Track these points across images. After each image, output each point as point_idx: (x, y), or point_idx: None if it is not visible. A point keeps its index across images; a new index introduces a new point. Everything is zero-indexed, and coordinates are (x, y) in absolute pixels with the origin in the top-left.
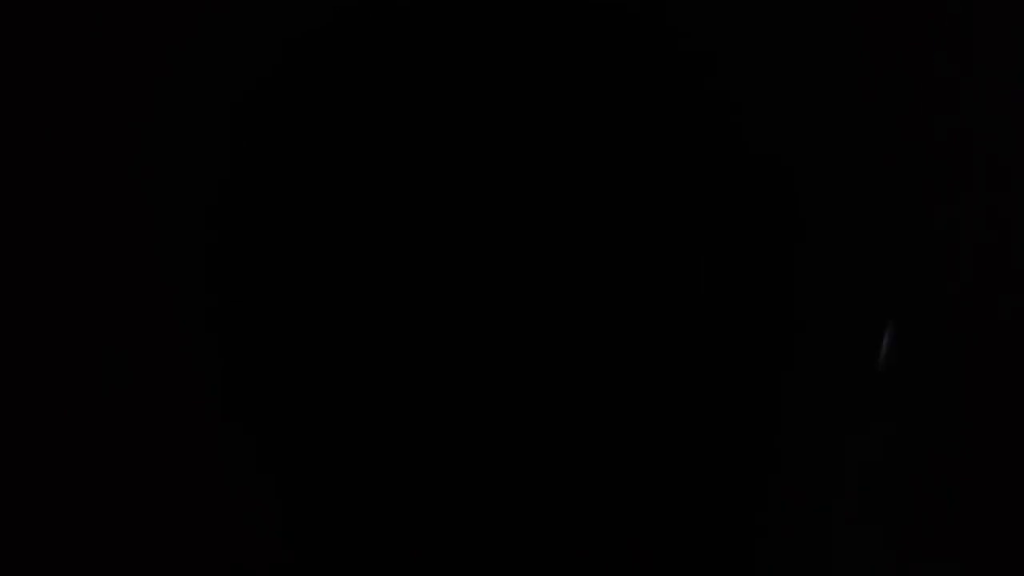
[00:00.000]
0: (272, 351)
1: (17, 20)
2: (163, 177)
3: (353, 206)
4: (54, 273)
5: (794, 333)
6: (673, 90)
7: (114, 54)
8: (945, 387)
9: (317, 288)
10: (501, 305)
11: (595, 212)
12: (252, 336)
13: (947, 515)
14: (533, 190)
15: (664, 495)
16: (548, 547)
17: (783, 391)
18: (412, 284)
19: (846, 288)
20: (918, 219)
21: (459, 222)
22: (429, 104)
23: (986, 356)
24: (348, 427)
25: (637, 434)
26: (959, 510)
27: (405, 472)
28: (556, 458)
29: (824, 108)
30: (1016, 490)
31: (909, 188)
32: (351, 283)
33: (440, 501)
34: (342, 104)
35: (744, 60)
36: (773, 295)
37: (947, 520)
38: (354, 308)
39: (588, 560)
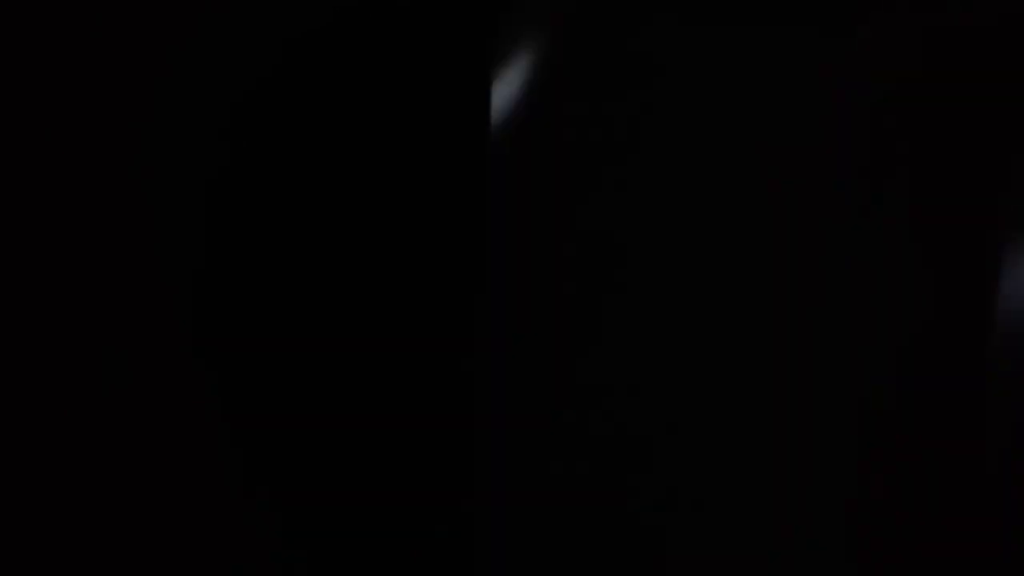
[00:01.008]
0: (271, 352)
1: (17, 20)
2: (163, 177)
3: (353, 206)
4: (53, 273)
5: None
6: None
7: (114, 54)
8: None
9: (317, 288)
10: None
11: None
12: (251, 336)
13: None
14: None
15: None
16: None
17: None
18: (413, 284)
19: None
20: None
21: (461, 221)
22: (429, 104)
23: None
24: (348, 427)
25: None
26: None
27: (401, 472)
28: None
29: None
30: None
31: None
32: (351, 283)
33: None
34: (342, 104)
35: None
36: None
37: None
38: (353, 308)
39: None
